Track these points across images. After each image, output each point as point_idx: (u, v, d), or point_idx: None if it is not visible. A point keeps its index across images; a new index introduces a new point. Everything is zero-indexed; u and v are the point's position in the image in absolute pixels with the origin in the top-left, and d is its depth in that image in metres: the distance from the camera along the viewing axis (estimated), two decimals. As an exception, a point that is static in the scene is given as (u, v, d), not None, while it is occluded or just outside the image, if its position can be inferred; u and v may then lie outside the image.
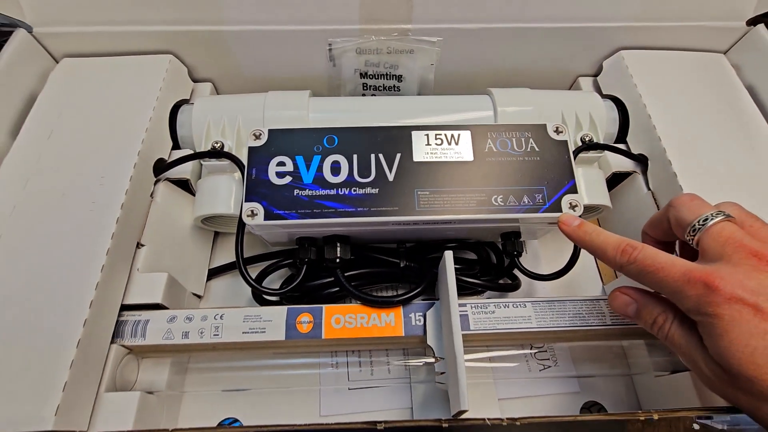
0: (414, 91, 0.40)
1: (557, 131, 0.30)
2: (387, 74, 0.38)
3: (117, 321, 0.27)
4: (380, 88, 0.40)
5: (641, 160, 0.34)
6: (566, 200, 0.28)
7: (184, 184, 0.34)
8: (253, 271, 0.32)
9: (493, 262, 0.35)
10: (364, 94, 0.40)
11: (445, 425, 0.20)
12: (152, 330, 0.28)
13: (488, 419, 0.20)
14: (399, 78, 0.39)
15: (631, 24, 0.37)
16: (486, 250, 0.34)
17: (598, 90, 0.39)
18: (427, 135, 0.30)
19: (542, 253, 0.38)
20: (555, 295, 0.36)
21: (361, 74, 0.39)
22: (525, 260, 0.38)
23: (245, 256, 0.35)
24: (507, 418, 0.20)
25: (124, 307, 0.28)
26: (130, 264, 0.29)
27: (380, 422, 0.20)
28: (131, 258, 0.29)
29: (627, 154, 0.34)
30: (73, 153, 0.30)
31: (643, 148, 0.34)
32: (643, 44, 0.38)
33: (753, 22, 0.36)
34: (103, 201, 0.28)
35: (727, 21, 0.36)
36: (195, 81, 0.39)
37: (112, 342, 0.27)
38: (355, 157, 0.29)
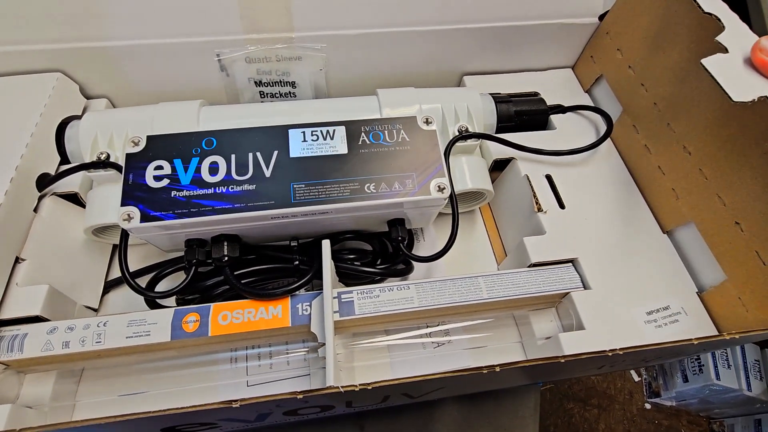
0: (310, 95, 0.41)
1: (426, 122, 0.33)
2: (280, 81, 0.40)
3: (-9, 337, 0.27)
4: (276, 95, 0.41)
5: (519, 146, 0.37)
6: (434, 183, 0.30)
7: (74, 198, 0.34)
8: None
9: (390, 251, 0.36)
10: (263, 101, 0.42)
11: (299, 396, 0.21)
12: (30, 343, 0.27)
13: (342, 387, 0.21)
14: (293, 84, 0.40)
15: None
16: (380, 239, 0.36)
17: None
18: (304, 132, 0.31)
19: (442, 239, 0.41)
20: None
21: (255, 82, 0.40)
22: (423, 246, 0.40)
23: (144, 266, 0.35)
24: (359, 384, 0.21)
25: (2, 323, 0.28)
26: (6, 279, 0.28)
27: (236, 401, 0.21)
28: (8, 273, 0.29)
29: (498, 140, 0.37)
30: (-57, 172, 0.30)
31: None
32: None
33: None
34: (-27, 217, 0.28)
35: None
36: (89, 98, 0.40)
37: (-16, 358, 0.26)
38: (233, 156, 0.30)
